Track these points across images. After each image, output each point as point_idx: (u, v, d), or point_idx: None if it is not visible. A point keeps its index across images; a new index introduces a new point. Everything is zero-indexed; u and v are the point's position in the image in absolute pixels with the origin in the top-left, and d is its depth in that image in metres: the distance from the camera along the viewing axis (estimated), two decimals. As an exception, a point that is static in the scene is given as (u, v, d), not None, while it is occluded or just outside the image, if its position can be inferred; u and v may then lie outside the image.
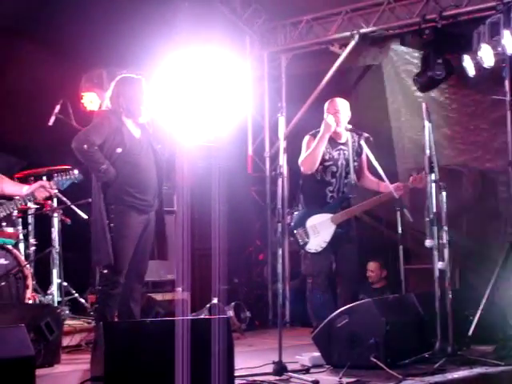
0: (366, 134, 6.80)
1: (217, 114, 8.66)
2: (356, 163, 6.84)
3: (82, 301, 7.84)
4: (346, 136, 6.85)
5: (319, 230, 6.71)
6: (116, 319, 6.05)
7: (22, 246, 7.44)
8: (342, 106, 6.82)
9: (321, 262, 6.75)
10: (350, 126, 6.83)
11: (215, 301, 7.55)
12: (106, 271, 5.93)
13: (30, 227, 7.66)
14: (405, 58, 8.62)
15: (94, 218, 6.05)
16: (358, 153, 6.86)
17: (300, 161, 6.81)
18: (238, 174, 9.03)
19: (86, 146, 5.87)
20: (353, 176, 6.80)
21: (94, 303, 7.36)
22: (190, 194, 6.91)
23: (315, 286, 6.81)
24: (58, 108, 7.75)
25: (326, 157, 6.79)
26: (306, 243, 6.74)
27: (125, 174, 5.97)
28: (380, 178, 6.66)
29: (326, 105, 6.89)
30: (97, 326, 5.92)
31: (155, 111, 6.34)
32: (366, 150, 6.65)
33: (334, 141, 6.82)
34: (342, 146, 6.83)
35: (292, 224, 6.86)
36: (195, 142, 8.57)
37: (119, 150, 5.96)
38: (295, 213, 6.91)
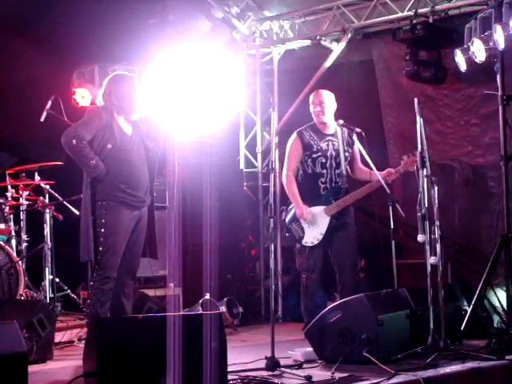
0: (358, 130, 6.82)
1: (209, 110, 8.64)
2: (347, 154, 6.86)
3: (75, 297, 7.84)
4: (333, 127, 6.89)
5: (314, 223, 6.74)
6: (108, 315, 6.04)
7: (13, 242, 7.43)
8: (327, 97, 6.89)
9: (316, 255, 6.79)
10: (341, 122, 6.85)
11: (207, 296, 7.55)
12: (97, 267, 5.93)
13: (22, 223, 7.64)
14: (396, 53, 8.62)
15: (81, 214, 6.08)
16: (349, 144, 6.88)
17: (282, 175, 6.96)
18: (230, 169, 9.03)
19: (74, 140, 5.86)
20: (344, 167, 6.83)
21: (86, 299, 7.34)
22: (181, 189, 6.89)
23: (309, 282, 6.84)
24: (49, 104, 7.72)
25: (314, 148, 6.83)
26: (301, 237, 6.78)
27: (116, 170, 5.97)
28: (371, 169, 6.69)
29: (311, 97, 6.95)
30: (89, 321, 5.93)
31: (148, 108, 6.34)
32: (359, 146, 6.67)
33: (321, 132, 6.87)
34: (330, 137, 6.87)
35: (286, 220, 6.88)
36: (187, 137, 8.55)
37: (109, 146, 5.96)
38: (289, 208, 6.93)
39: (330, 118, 6.87)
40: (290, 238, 6.98)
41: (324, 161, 6.82)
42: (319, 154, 6.83)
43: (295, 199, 6.82)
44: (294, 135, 6.96)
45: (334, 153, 6.84)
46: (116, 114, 6.09)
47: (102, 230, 5.91)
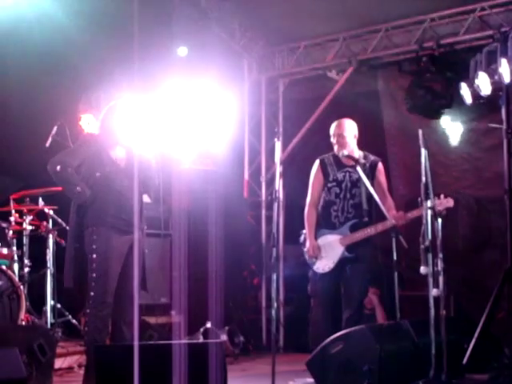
0: (369, 161, 6.79)
1: (213, 138, 8.68)
2: (365, 187, 6.73)
3: (75, 323, 7.81)
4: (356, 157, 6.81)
5: (328, 251, 6.69)
6: (106, 342, 6.01)
7: (16, 266, 7.42)
8: (348, 128, 6.78)
9: (326, 283, 6.75)
10: (356, 157, 6.73)
11: (209, 325, 7.55)
12: (92, 293, 5.90)
13: (25, 248, 7.64)
14: (402, 85, 8.66)
15: (67, 240, 6.12)
16: (370, 176, 6.69)
17: (306, 205, 6.88)
18: (234, 198, 9.04)
19: (59, 167, 5.92)
20: (364, 199, 6.74)
21: (85, 326, 7.33)
22: (186, 217, 6.90)
23: (316, 308, 6.86)
24: (55, 129, 7.75)
25: (330, 178, 6.79)
26: (314, 263, 6.75)
27: (105, 197, 5.96)
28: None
29: (332, 128, 6.84)
30: (88, 349, 5.90)
31: (150, 137, 6.35)
32: (362, 176, 6.61)
33: (341, 162, 6.80)
34: (348, 169, 6.79)
35: (303, 243, 6.87)
36: (192, 165, 8.59)
37: (98, 174, 5.98)
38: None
39: (351, 149, 6.78)
40: (304, 261, 6.95)
41: (338, 191, 6.78)
42: (334, 183, 6.78)
43: (309, 234, 6.78)
44: (317, 162, 6.91)
45: (349, 184, 6.77)
46: (107, 142, 6.12)
47: (94, 256, 5.89)
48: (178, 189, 6.85)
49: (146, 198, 6.49)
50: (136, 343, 4.28)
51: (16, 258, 7.45)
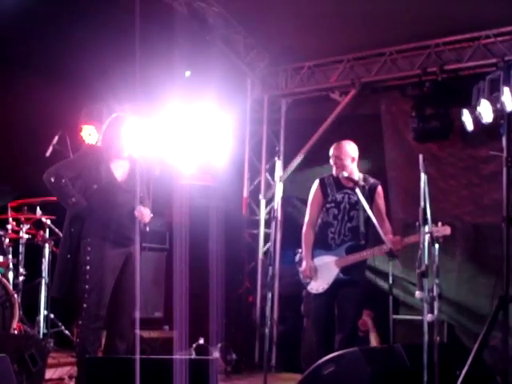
0: (369, 183, 6.76)
1: (215, 154, 8.70)
2: (363, 211, 6.71)
3: (68, 334, 7.79)
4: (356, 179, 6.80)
5: (323, 272, 6.66)
6: (98, 354, 5.98)
7: (11, 274, 7.41)
8: (347, 150, 6.75)
9: (319, 304, 6.71)
10: (356, 179, 6.72)
11: (201, 341, 7.52)
12: (85, 305, 5.88)
13: (21, 256, 7.63)
14: (404, 109, 8.68)
15: (59, 250, 6.12)
16: (369, 199, 6.65)
17: (304, 224, 6.83)
18: (233, 215, 9.04)
19: (53, 178, 5.94)
20: (362, 222, 6.72)
21: (76, 337, 7.30)
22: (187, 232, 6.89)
23: (309, 328, 6.81)
24: (55, 139, 7.77)
25: (329, 199, 6.77)
26: (308, 283, 6.72)
27: (101, 209, 5.96)
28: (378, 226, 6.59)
29: (331, 149, 6.82)
30: (79, 360, 5.88)
31: (151, 151, 6.37)
32: (361, 198, 6.60)
33: (340, 183, 6.78)
34: (348, 190, 6.76)
35: (298, 262, 6.84)
36: (193, 181, 8.60)
37: (95, 187, 5.99)
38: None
39: (350, 171, 6.76)
40: (298, 281, 6.92)
41: (336, 212, 6.75)
42: (332, 205, 6.75)
43: (305, 255, 6.75)
44: (316, 182, 6.88)
45: (348, 206, 6.73)
46: (108, 155, 6.12)
47: (88, 268, 5.88)
48: (178, 203, 6.84)
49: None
50: (137, 357, 4.26)
51: (11, 266, 7.44)
